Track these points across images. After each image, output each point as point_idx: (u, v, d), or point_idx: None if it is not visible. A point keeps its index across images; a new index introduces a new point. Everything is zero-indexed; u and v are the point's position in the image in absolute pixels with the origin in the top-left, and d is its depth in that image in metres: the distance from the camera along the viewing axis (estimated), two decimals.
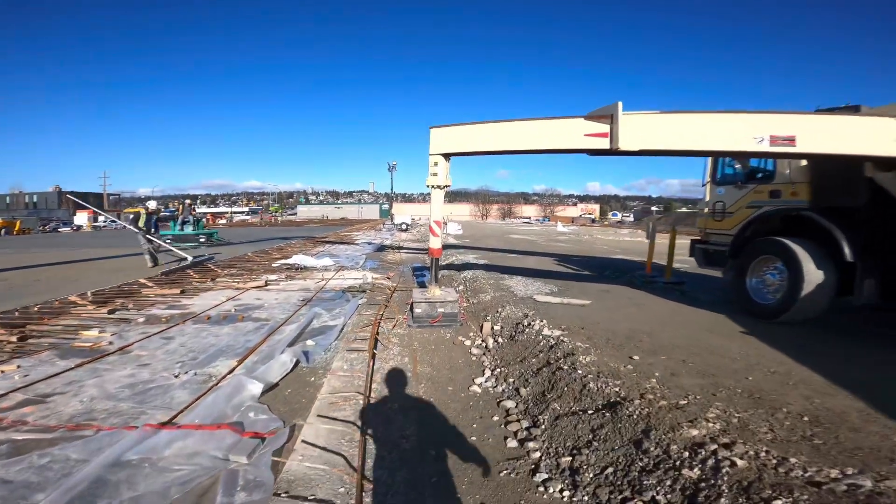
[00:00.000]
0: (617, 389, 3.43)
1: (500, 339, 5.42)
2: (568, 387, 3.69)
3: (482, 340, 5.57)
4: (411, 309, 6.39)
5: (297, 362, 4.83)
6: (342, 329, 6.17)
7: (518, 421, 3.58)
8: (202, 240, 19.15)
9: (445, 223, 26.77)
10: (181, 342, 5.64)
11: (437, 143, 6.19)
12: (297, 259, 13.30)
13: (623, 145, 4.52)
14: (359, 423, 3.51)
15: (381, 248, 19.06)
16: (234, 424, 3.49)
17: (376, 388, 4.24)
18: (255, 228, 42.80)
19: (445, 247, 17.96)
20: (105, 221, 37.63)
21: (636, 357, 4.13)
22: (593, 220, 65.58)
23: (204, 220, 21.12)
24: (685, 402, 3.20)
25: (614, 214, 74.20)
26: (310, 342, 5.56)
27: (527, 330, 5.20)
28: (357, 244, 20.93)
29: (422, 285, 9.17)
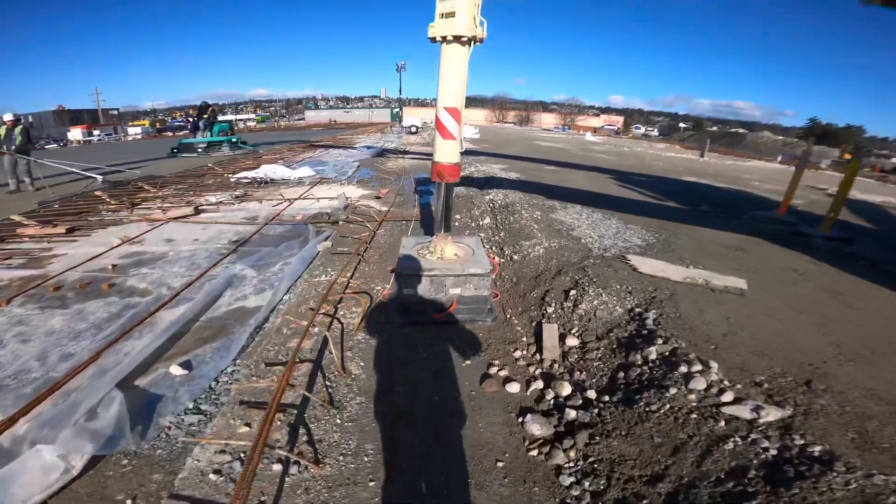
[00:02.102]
0: None
1: (590, 388, 2.41)
2: None
3: (541, 377, 2.58)
4: (397, 280, 3.30)
5: (79, 471, 1.95)
6: (263, 322, 3.21)
7: None
8: (200, 148, 15.38)
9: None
10: None
11: None
12: (267, 170, 10.04)
13: None
14: None
15: (382, 152, 15.46)
16: None
17: None
18: (254, 133, 38.51)
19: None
20: (100, 135, 37.92)
21: None
22: (617, 132, 60.48)
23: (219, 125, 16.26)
24: None
25: (637, 128, 68.96)
26: (177, 369, 2.64)
27: (671, 388, 2.13)
28: (355, 148, 17.29)
29: (427, 208, 6.00)
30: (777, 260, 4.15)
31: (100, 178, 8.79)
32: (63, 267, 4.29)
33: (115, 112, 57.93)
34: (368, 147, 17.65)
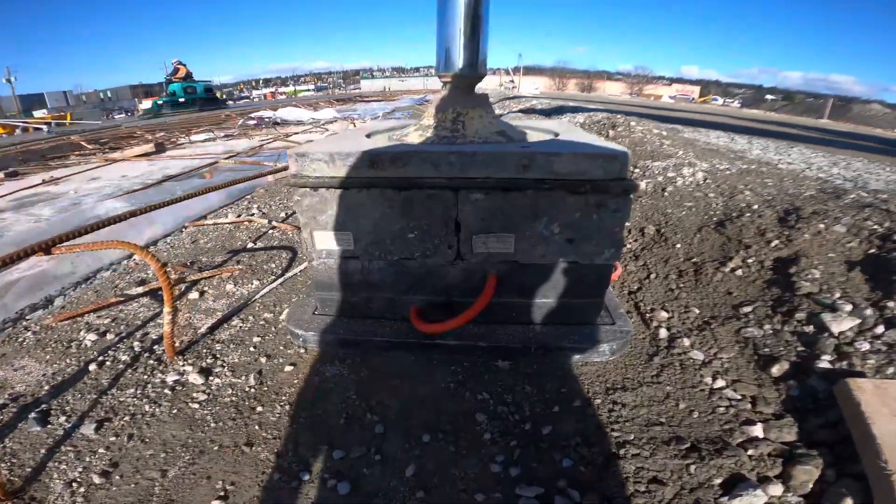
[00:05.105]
0: None
1: None
2: None
3: None
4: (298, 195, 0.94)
5: None
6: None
7: None
8: (165, 107, 14.64)
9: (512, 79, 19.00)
10: None
11: None
12: (284, 112, 8.42)
13: None
14: None
15: (426, 101, 13.28)
16: None
17: None
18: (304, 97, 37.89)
19: (518, 98, 11.58)
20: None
21: None
22: (692, 101, 52.51)
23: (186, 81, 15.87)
24: None
25: (715, 99, 59.42)
26: None
27: None
28: (396, 100, 15.26)
29: None
30: None
31: (46, 129, 9.32)
32: None
33: None
34: (413, 99, 15.56)
